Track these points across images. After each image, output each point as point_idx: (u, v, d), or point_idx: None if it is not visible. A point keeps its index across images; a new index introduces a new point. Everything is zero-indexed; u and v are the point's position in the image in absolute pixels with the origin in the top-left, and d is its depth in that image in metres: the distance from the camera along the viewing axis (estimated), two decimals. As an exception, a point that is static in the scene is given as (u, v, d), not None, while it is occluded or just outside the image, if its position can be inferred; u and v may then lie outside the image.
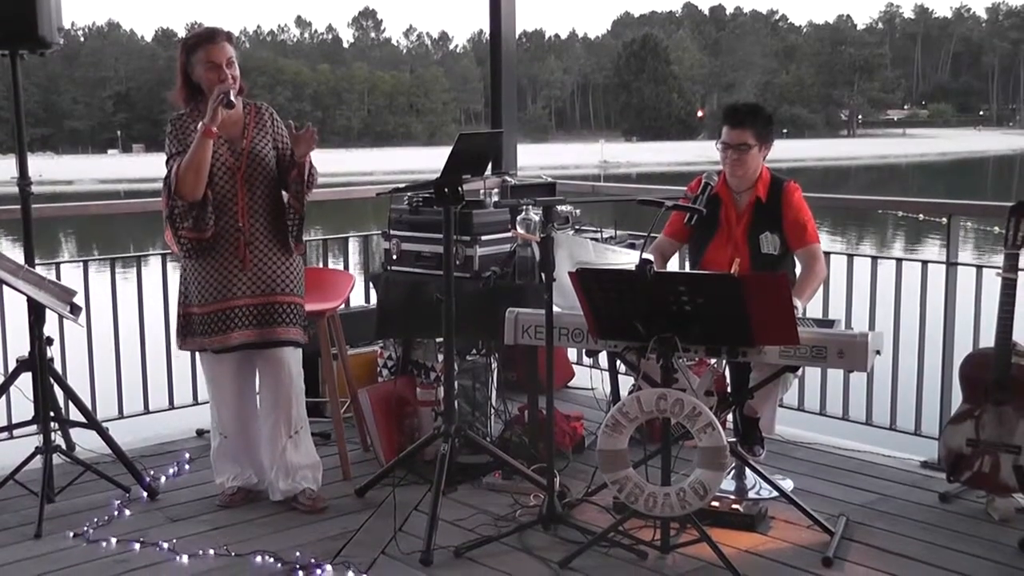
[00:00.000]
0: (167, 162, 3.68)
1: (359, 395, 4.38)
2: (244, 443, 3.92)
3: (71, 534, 3.60)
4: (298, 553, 3.39)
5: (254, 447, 3.93)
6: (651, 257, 3.62)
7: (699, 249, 4.12)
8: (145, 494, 3.96)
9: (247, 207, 3.71)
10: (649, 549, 3.37)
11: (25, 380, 3.97)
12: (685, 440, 3.46)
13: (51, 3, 4.01)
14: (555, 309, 3.50)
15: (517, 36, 5.95)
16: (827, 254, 4.37)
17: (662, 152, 66.26)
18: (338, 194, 6.41)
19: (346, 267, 5.46)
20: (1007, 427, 3.63)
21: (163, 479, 4.15)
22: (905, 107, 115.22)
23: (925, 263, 4.50)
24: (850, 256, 4.79)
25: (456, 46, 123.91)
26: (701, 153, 50.91)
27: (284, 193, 3.80)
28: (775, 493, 3.73)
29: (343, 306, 4.71)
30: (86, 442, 4.31)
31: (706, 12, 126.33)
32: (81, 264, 4.86)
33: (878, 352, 3.37)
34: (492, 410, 4.40)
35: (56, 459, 3.91)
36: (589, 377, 4.94)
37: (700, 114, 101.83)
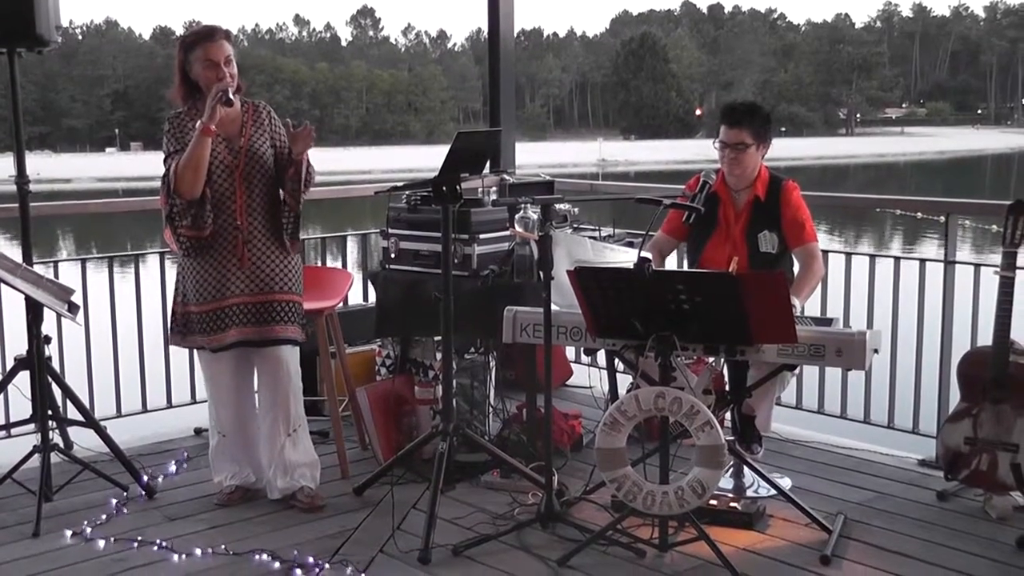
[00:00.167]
0: (165, 160, 3.68)
1: (357, 393, 4.38)
2: (242, 442, 3.92)
3: (69, 533, 3.60)
4: (296, 552, 3.38)
5: (252, 446, 3.93)
6: (649, 255, 3.62)
7: (697, 247, 4.12)
8: (143, 493, 3.96)
9: (245, 205, 3.71)
10: (647, 547, 3.37)
11: (23, 379, 3.97)
12: (683, 438, 3.46)
13: (49, 1, 4.00)
14: (553, 308, 3.50)
15: (515, 34, 5.96)
16: (825, 253, 4.37)
17: (660, 150, 66.24)
18: (336, 192, 6.41)
19: (344, 265, 5.46)
20: (1005, 425, 3.63)
21: (161, 478, 4.15)
22: (903, 106, 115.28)
23: (923, 261, 4.50)
24: (848, 254, 4.78)
25: (454, 44, 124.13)
26: (699, 151, 50.95)
27: (281, 191, 3.80)
28: (773, 491, 3.73)
29: (341, 305, 4.70)
30: (84, 441, 4.31)
31: (704, 10, 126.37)
32: (79, 262, 4.86)
33: (876, 350, 3.36)
34: (490, 408, 4.40)
35: (54, 458, 3.91)
36: (587, 375, 4.95)
37: (698, 112, 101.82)
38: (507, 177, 5.38)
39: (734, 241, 4.01)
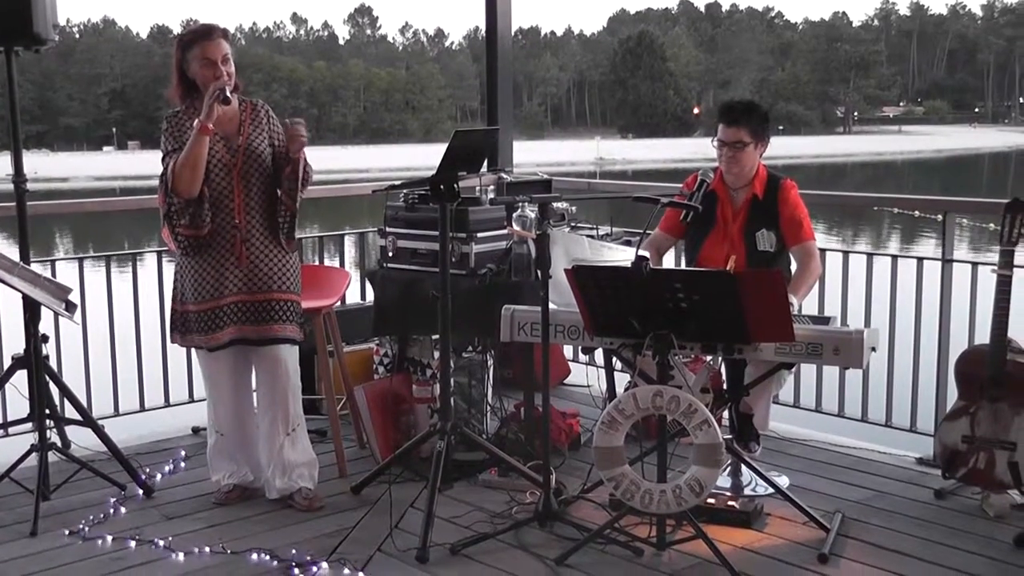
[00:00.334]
0: (163, 159, 3.68)
1: (355, 392, 4.37)
2: (240, 440, 3.92)
3: (67, 532, 3.60)
4: (294, 551, 3.39)
5: (250, 444, 3.93)
6: (647, 254, 3.62)
7: (695, 246, 4.12)
8: (141, 492, 3.96)
9: (243, 204, 3.71)
10: (645, 546, 3.37)
11: (20, 377, 3.96)
12: (681, 437, 3.47)
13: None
14: (551, 306, 3.50)
15: (513, 33, 5.96)
16: (823, 251, 4.37)
17: (658, 149, 66.24)
18: (334, 191, 6.41)
19: (342, 264, 5.46)
20: (1002, 423, 3.63)
21: (159, 477, 4.15)
22: (901, 104, 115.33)
23: (921, 260, 4.50)
24: (846, 253, 4.79)
25: (452, 43, 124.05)
26: (697, 150, 50.98)
27: (278, 190, 3.80)
28: (771, 490, 3.73)
29: (339, 303, 4.70)
30: (82, 440, 4.31)
31: (702, 9, 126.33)
32: (76, 261, 4.85)
33: (873, 349, 3.37)
34: (488, 407, 4.40)
35: (52, 457, 3.90)
36: (585, 374, 4.95)
37: (696, 111, 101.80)
38: (505, 176, 5.38)
39: (732, 239, 4.01)
